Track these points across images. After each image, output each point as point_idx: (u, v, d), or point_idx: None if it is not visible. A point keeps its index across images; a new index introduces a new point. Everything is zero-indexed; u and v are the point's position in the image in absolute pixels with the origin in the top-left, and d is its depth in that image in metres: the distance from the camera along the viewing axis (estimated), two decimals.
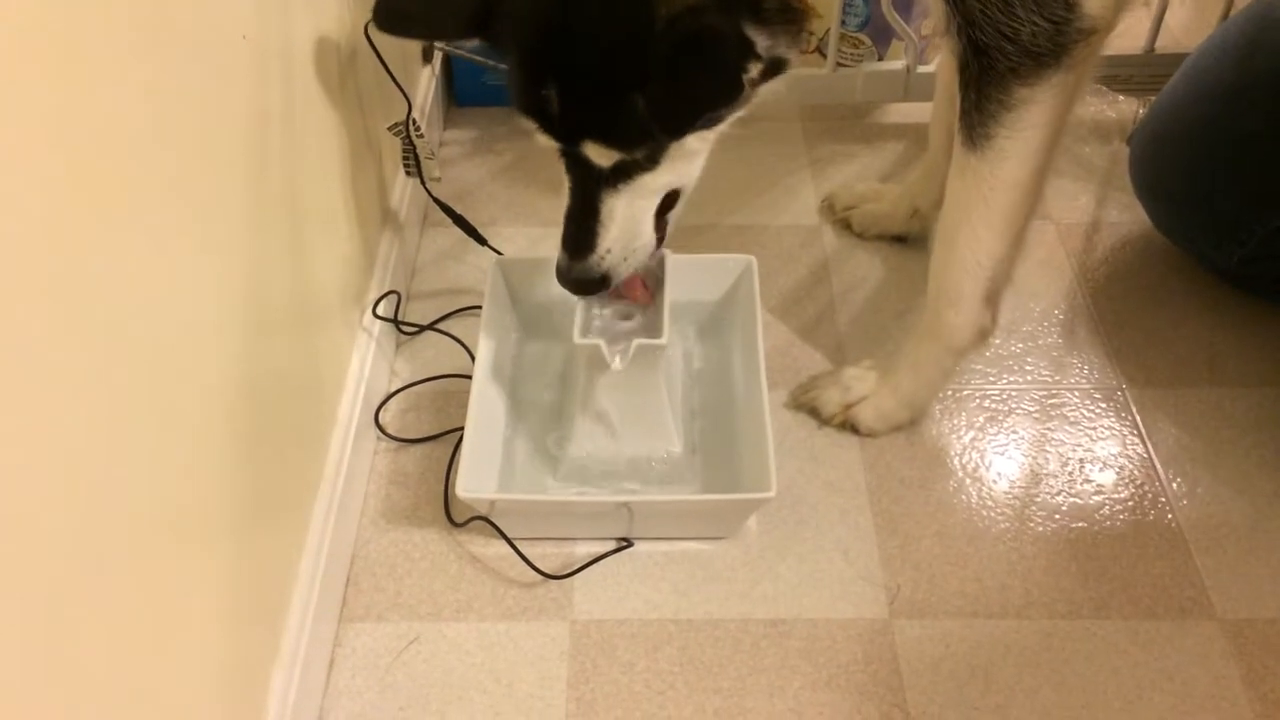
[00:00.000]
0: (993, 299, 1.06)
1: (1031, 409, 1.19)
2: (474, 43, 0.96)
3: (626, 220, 0.95)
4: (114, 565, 0.63)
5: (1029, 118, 0.91)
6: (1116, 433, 1.16)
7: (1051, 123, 0.93)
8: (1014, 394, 1.20)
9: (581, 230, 0.95)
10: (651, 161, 0.91)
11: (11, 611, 0.53)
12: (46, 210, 0.55)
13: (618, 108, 0.85)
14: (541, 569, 1.02)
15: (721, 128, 0.94)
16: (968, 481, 1.12)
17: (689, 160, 0.95)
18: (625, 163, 0.90)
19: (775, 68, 0.90)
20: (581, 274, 0.96)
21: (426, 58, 1.49)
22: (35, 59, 0.54)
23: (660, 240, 1.00)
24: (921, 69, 1.52)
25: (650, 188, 0.94)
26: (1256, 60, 1.18)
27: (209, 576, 0.76)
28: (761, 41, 0.86)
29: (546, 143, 0.91)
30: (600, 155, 0.89)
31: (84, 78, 0.59)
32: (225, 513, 0.79)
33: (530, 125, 0.90)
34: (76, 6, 0.58)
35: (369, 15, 1.08)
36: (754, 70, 0.88)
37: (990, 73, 0.90)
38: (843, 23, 1.51)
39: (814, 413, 1.17)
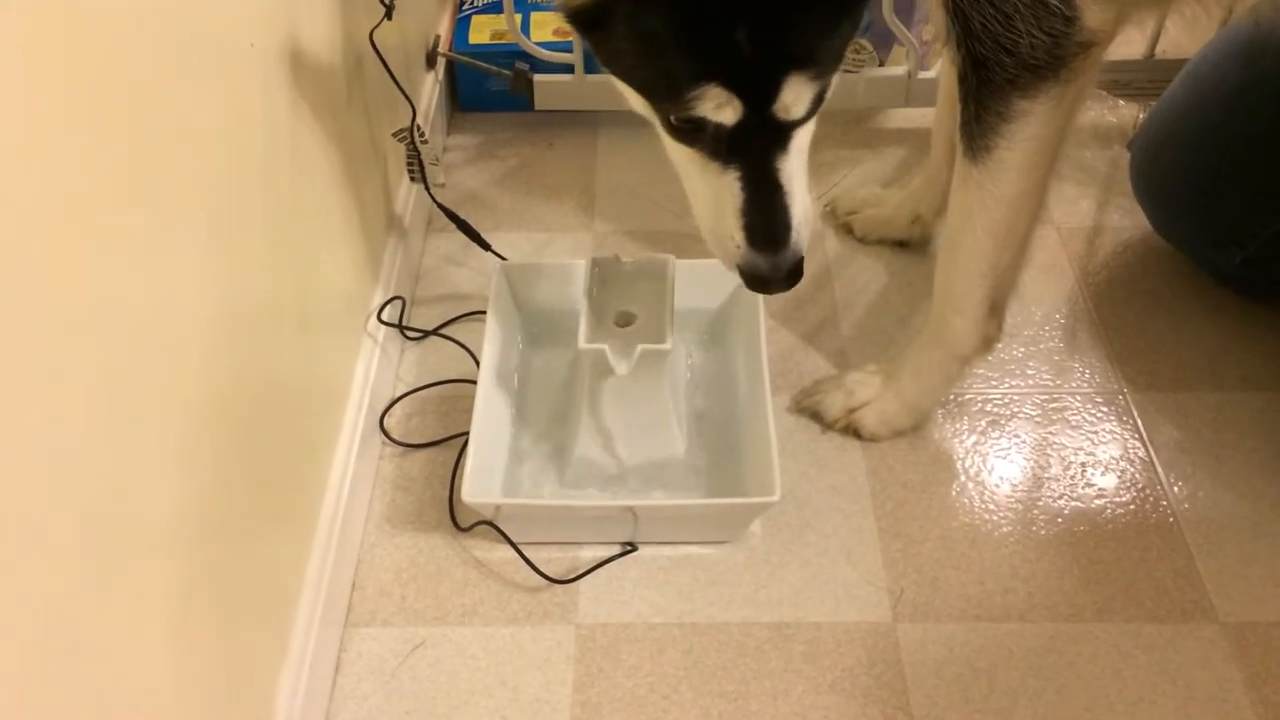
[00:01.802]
0: (998, 307, 1.06)
1: (1033, 413, 1.19)
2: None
3: (801, 185, 0.84)
4: (122, 571, 0.63)
5: (1028, 130, 0.91)
6: (1118, 436, 1.16)
7: (1051, 134, 0.93)
8: (1016, 398, 1.21)
9: (774, 215, 0.83)
10: (821, 99, 0.81)
11: (22, 616, 0.54)
12: (52, 218, 0.56)
13: (832, 12, 0.76)
14: (546, 573, 1.03)
15: None
16: (970, 485, 1.12)
17: None
18: (814, 101, 0.79)
19: None
20: (791, 262, 0.85)
21: (430, 64, 1.50)
22: (42, 65, 0.55)
23: None
24: (923, 75, 1.53)
25: (807, 137, 0.84)
26: (1258, 64, 1.19)
27: (216, 581, 0.77)
28: None
29: (727, 117, 0.78)
30: (800, 96, 0.78)
31: (91, 85, 0.60)
32: (231, 517, 0.79)
33: (712, 99, 0.76)
34: (86, 15, 0.58)
35: (374, 22, 1.09)
36: None
37: (989, 85, 0.89)
38: None
39: (817, 417, 1.17)
